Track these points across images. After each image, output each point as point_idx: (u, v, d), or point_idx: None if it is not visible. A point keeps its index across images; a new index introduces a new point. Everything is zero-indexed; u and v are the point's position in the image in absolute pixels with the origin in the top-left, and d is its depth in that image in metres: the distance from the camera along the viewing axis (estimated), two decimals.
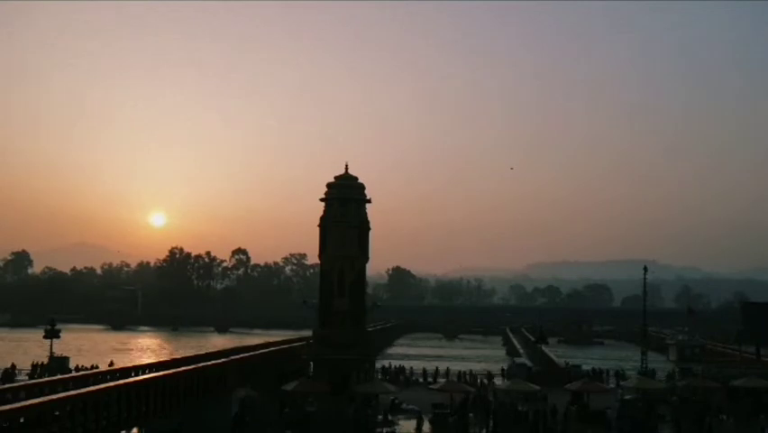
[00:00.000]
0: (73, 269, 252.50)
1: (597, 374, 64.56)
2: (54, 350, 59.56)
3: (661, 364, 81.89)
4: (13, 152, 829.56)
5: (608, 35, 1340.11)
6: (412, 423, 38.81)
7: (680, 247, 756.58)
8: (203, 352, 48.46)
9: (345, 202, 44.89)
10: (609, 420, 40.29)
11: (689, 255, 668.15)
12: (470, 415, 40.97)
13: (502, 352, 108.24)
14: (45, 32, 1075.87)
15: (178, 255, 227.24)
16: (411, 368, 69.04)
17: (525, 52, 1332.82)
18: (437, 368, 68.66)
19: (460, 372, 65.22)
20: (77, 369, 56.69)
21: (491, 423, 39.52)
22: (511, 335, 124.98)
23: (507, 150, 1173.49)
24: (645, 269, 64.22)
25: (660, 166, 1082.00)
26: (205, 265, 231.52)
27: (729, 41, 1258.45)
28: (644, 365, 62.74)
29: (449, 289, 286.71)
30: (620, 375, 63.55)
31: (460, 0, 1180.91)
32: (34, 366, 62.28)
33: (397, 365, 69.97)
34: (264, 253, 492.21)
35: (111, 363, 60.72)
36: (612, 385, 56.92)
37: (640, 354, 65.28)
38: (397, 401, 45.07)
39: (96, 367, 54.22)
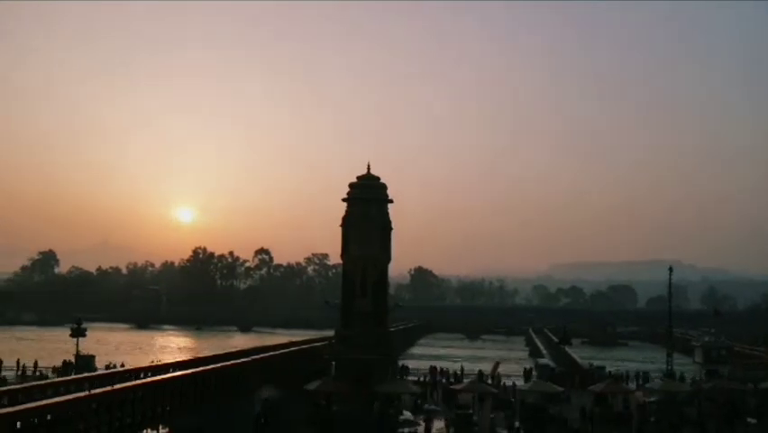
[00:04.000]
0: (98, 268, 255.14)
1: (622, 377, 64.10)
2: (80, 349, 60.25)
3: (686, 366, 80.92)
4: (40, 153, 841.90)
5: (625, 33, 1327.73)
6: (436, 423, 38.75)
7: (705, 248, 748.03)
8: (226, 351, 48.74)
9: (367, 202, 44.86)
10: (633, 423, 39.90)
11: (714, 256, 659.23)
12: (493, 416, 40.81)
13: (525, 353, 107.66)
14: (79, 31, 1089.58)
15: (201, 255, 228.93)
16: (435, 367, 68.86)
17: (547, 53, 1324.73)
18: (460, 367, 68.42)
19: (480, 371, 65.02)
20: (106, 367, 57.29)
21: (515, 424, 39.35)
22: (534, 335, 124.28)
23: (530, 150, 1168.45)
24: (671, 269, 63.42)
25: (684, 165, 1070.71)
26: (228, 265, 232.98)
27: (755, 40, 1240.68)
28: (669, 367, 62.03)
29: (471, 289, 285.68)
30: (645, 377, 63.04)
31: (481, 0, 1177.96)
32: (65, 364, 62.94)
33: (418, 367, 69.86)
34: (286, 252, 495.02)
35: (122, 364, 61.18)
36: (634, 387, 56.35)
37: (665, 355, 64.55)
38: (419, 402, 44.99)
39: (122, 366, 54.79)
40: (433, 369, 67.93)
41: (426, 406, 44.76)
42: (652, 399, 45.97)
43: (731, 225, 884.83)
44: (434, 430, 38.20)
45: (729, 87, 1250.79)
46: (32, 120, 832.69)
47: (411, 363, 75.60)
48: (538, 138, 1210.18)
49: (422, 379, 59.88)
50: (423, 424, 38.71)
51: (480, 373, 62.22)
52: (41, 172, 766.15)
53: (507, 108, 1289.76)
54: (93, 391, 23.20)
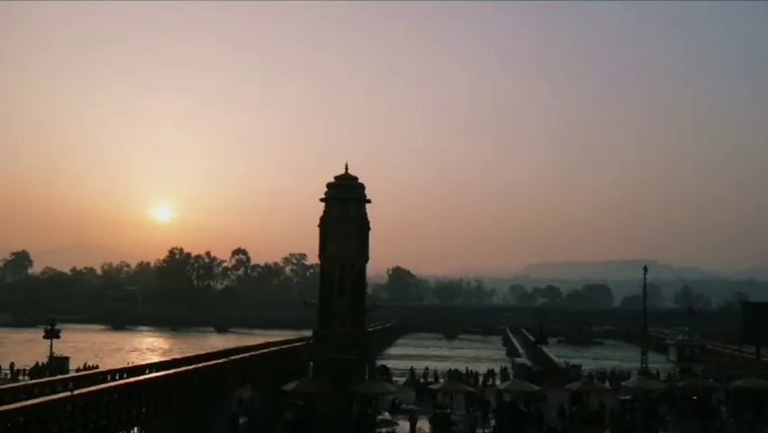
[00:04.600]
0: (73, 269, 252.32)
1: (615, 375, 64.87)
2: (54, 350, 59.49)
3: (661, 365, 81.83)
4: (12, 153, 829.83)
5: (616, 35, 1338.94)
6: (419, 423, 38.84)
7: (680, 247, 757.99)
8: (203, 352, 48.40)
9: (345, 202, 44.81)
10: (609, 421, 40.26)
11: (689, 255, 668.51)
12: (469, 415, 41.01)
13: (502, 352, 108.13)
14: (47, 32, 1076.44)
15: (177, 255, 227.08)
16: (411, 368, 69.06)
17: (536, 54, 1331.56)
18: (431, 368, 68.58)
19: (453, 369, 65.25)
20: (84, 368, 56.60)
21: (492, 423, 39.56)
22: (511, 335, 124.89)
23: (508, 152, 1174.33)
24: (645, 269, 64.06)
25: (660, 167, 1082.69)
26: (205, 265, 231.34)
27: (735, 46, 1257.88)
28: (644, 366, 62.68)
29: (449, 289, 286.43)
30: (620, 376, 63.67)
31: (467, 1, 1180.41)
32: (37, 367, 62.17)
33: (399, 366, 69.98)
34: (264, 253, 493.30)
35: (96, 366, 60.59)
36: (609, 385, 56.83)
37: (640, 354, 65.25)
38: (397, 402, 45.05)
39: (96, 367, 54.17)
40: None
41: (404, 406, 44.82)
42: (627, 397, 46.44)
43: (705, 225, 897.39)
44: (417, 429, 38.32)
45: (716, 91, 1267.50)
46: (2, 122, 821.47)
47: (390, 363, 75.65)
48: (524, 141, 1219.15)
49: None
50: (406, 423, 38.80)
51: (457, 373, 62.54)
52: (13, 174, 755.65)
53: (489, 112, 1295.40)
54: (67, 393, 22.93)
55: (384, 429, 38.19)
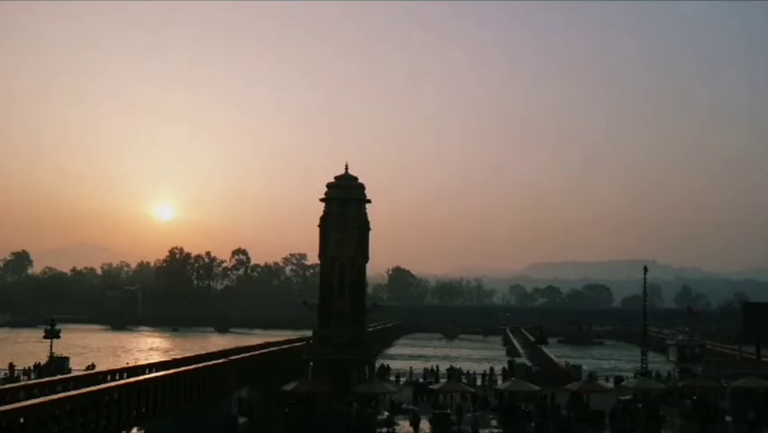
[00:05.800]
0: (73, 269, 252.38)
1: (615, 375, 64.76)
2: (54, 350, 59.48)
3: (661, 365, 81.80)
4: (12, 152, 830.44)
5: (620, 34, 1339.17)
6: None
7: (680, 247, 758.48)
8: (203, 352, 48.40)
9: (345, 202, 44.83)
10: (609, 421, 40.23)
11: (689, 256, 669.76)
12: (470, 415, 40.98)
13: (502, 352, 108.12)
14: (47, 31, 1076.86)
15: (177, 255, 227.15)
16: (411, 368, 69.03)
17: (545, 54, 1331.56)
18: (435, 367, 68.53)
19: (452, 368, 65.26)
20: (87, 368, 56.54)
21: (493, 423, 39.54)
22: (511, 335, 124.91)
23: (509, 153, 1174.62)
24: (645, 269, 64.12)
25: (661, 168, 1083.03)
26: (205, 265, 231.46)
27: (739, 47, 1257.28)
28: (644, 366, 62.67)
29: (449, 289, 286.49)
30: (618, 376, 63.69)
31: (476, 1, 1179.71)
32: (36, 366, 62.08)
33: (397, 366, 69.89)
34: (264, 253, 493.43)
35: (93, 365, 60.51)
36: (611, 385, 56.81)
37: (640, 354, 65.23)
38: (397, 402, 45.01)
39: (93, 366, 54.14)
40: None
41: (404, 406, 44.78)
42: (627, 397, 46.41)
43: (706, 226, 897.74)
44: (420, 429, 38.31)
45: (719, 94, 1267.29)
46: (1, 121, 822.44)
47: (390, 363, 75.59)
48: (526, 142, 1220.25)
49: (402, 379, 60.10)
50: (407, 422, 38.79)
51: (458, 373, 62.42)
52: (13, 175, 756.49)
53: (490, 112, 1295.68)
54: (67, 393, 22.90)
55: (385, 429, 38.14)
